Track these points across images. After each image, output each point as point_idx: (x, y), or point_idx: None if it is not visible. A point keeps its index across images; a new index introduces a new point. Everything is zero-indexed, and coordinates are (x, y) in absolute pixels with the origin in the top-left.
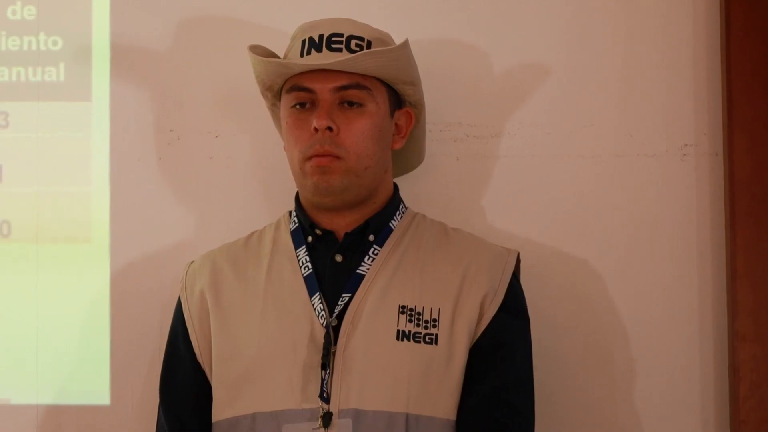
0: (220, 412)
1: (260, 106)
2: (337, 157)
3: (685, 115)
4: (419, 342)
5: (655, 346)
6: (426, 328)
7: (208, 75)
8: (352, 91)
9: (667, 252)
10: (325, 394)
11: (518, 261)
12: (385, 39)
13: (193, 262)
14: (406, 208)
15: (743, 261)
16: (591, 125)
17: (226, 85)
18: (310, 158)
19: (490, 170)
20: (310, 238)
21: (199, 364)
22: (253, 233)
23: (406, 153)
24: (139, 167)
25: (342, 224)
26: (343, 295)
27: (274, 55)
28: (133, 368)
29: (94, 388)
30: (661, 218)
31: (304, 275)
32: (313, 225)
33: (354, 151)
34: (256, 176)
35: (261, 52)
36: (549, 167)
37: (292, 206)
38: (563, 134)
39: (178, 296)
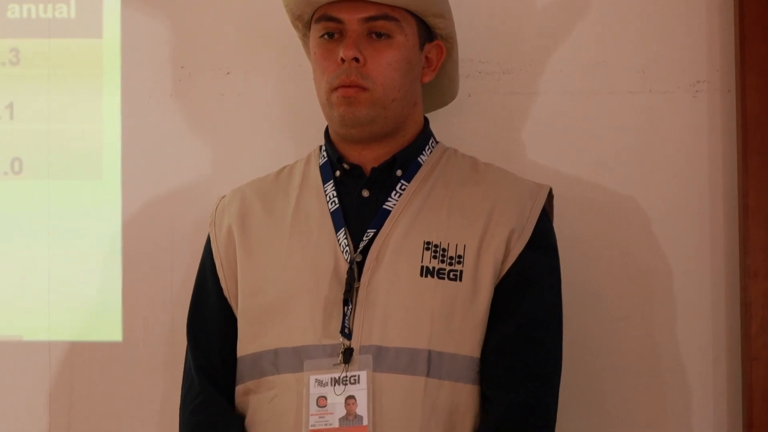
0: (244, 347)
1: (271, 42)
2: (364, 89)
3: (698, 51)
4: (443, 279)
5: (666, 283)
6: (451, 264)
7: (219, 11)
8: (381, 22)
9: (678, 189)
10: (346, 330)
11: (551, 197)
12: None
13: (224, 196)
14: (437, 142)
15: (755, 197)
16: (603, 62)
17: (238, 22)
18: (336, 89)
19: (501, 107)
20: (337, 173)
21: (225, 299)
22: (284, 167)
23: (438, 87)
24: (150, 104)
25: (370, 158)
26: (369, 231)
27: None
28: (145, 305)
29: (105, 324)
30: (672, 155)
31: (331, 210)
32: (340, 159)
33: (381, 82)
34: (267, 113)
35: None
36: (561, 104)
37: (305, 143)
38: (575, 71)
39: (190, 231)
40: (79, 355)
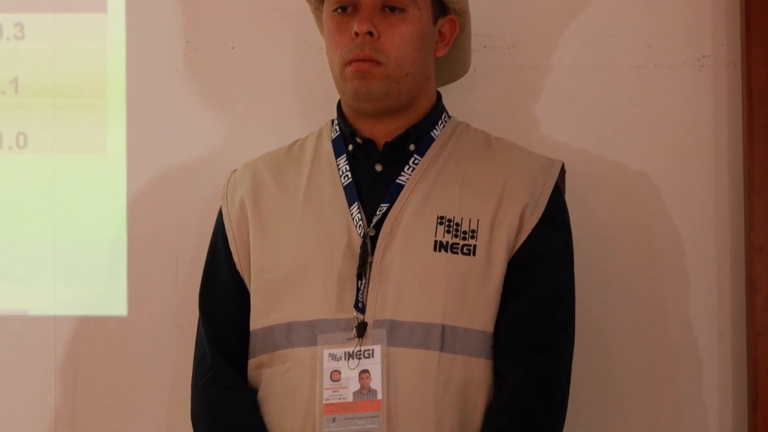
0: (257, 321)
1: (277, 17)
2: (377, 63)
3: (703, 26)
4: (457, 253)
5: (673, 258)
6: (464, 239)
7: None
8: None
9: (683, 164)
10: (360, 305)
11: (563, 171)
12: None
13: (235, 170)
14: (450, 117)
15: (760, 173)
16: (609, 36)
17: None
18: (349, 63)
19: (506, 82)
20: (350, 147)
21: (238, 273)
22: (295, 141)
23: (451, 62)
24: (155, 79)
25: (383, 133)
26: (382, 205)
27: None
28: (150, 279)
29: (111, 299)
30: (678, 130)
31: (344, 184)
32: (353, 133)
33: (394, 56)
34: (272, 87)
35: None
36: (566, 79)
37: (310, 118)
38: (580, 46)
39: (195, 206)
40: (84, 330)
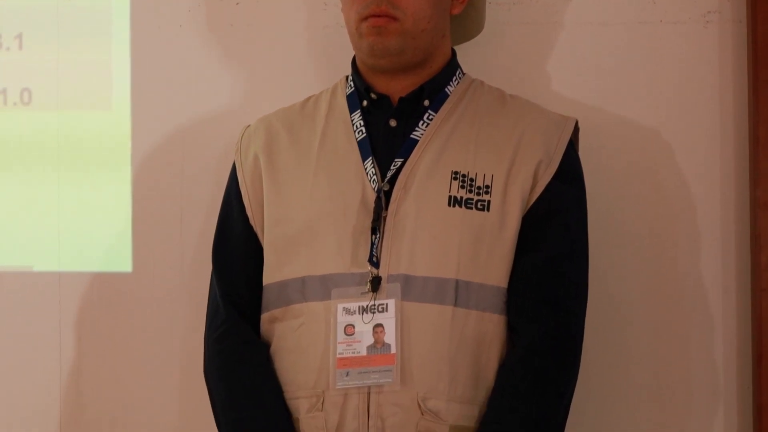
0: (270, 275)
1: None
2: (394, 18)
3: None
4: (471, 208)
5: (677, 213)
6: (478, 194)
7: None
8: None
9: (689, 119)
10: (374, 259)
11: (576, 129)
12: None
13: (248, 125)
14: (464, 74)
15: (765, 129)
16: None
17: None
18: (366, 18)
19: (510, 38)
20: (364, 102)
21: (251, 227)
22: (309, 97)
23: (466, 20)
24: (159, 34)
25: (397, 88)
26: (396, 160)
27: None
28: (155, 235)
29: (115, 255)
30: (683, 86)
31: (358, 139)
32: (368, 89)
33: (411, 12)
34: (276, 43)
35: None
36: (571, 35)
37: (314, 74)
38: (585, 1)
39: (199, 162)
40: (89, 286)
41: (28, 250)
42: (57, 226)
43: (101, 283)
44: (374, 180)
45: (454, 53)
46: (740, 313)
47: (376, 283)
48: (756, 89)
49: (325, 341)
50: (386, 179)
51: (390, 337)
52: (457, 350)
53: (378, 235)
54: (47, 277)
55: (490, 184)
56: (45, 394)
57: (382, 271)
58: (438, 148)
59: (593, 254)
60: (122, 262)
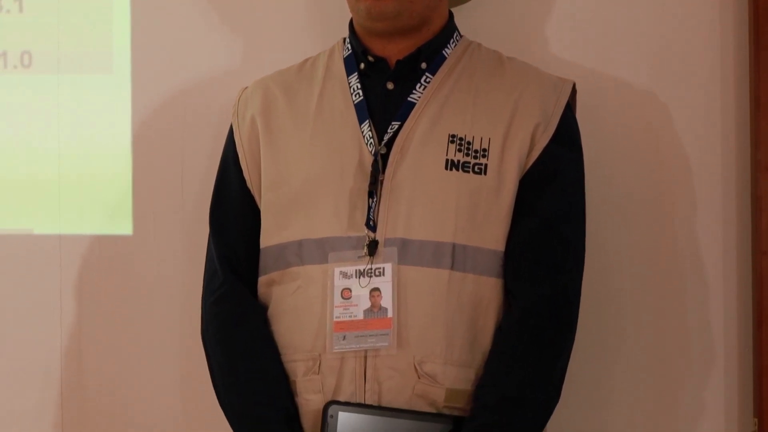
0: (268, 238)
1: None
2: None
3: None
4: (468, 172)
5: (678, 175)
6: (475, 157)
7: None
8: None
9: (689, 82)
10: (371, 223)
11: (574, 91)
12: None
13: (246, 88)
14: (461, 36)
15: (766, 90)
16: None
17: None
18: None
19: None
20: (362, 65)
21: (248, 190)
22: (307, 59)
23: None
24: None
25: (394, 51)
26: (393, 123)
27: None
28: (155, 198)
29: (116, 217)
30: (682, 48)
31: (355, 102)
32: (365, 51)
33: None
34: (278, 4)
35: None
36: None
37: (317, 36)
38: None
39: (200, 125)
40: (89, 249)
41: (29, 213)
42: (57, 189)
43: (102, 246)
44: (371, 143)
45: (451, 15)
46: (740, 276)
47: (373, 247)
48: (757, 52)
49: (322, 305)
50: (383, 142)
51: (387, 301)
52: (453, 314)
53: (375, 199)
54: (48, 240)
55: (487, 148)
56: (46, 357)
57: (379, 235)
58: (435, 112)
59: (590, 217)
60: (123, 224)
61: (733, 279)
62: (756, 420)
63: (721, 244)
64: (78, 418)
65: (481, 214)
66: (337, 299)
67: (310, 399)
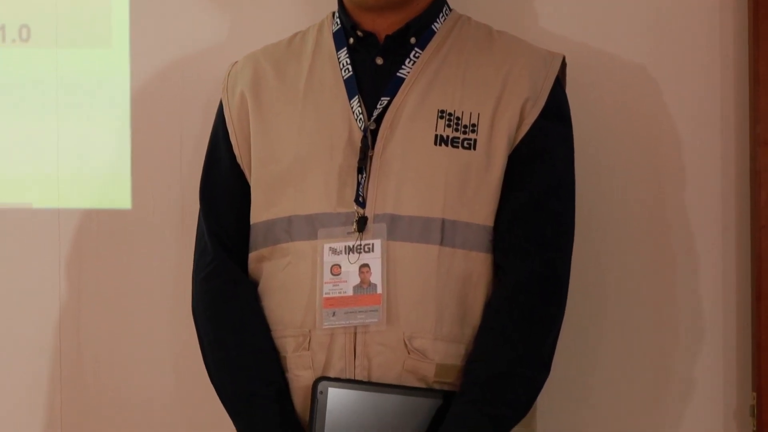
0: (257, 214)
1: None
2: None
3: None
4: (457, 147)
5: (676, 152)
6: (465, 133)
7: None
8: None
9: (688, 57)
10: (360, 199)
11: (564, 65)
12: None
13: (235, 62)
14: (451, 10)
15: (765, 66)
16: None
17: None
18: None
19: None
20: (351, 40)
21: (238, 166)
22: (296, 34)
23: None
24: None
25: (383, 26)
26: (382, 99)
27: None
28: (154, 172)
29: (115, 192)
30: (681, 18)
31: (344, 78)
32: (354, 26)
33: None
34: None
35: None
36: None
37: (313, 10)
38: None
39: (199, 98)
40: (88, 223)
41: (28, 187)
42: (56, 163)
43: (100, 220)
44: (360, 119)
45: None
46: (740, 251)
47: (362, 223)
48: (756, 25)
49: (312, 281)
50: (372, 118)
51: (376, 277)
52: (443, 289)
53: (364, 175)
54: (46, 214)
55: (476, 123)
56: (44, 331)
57: (369, 211)
58: (424, 87)
59: (580, 193)
60: (121, 198)
61: (732, 253)
62: (755, 394)
63: (720, 219)
64: (75, 390)
65: (471, 189)
66: (327, 275)
67: (300, 375)
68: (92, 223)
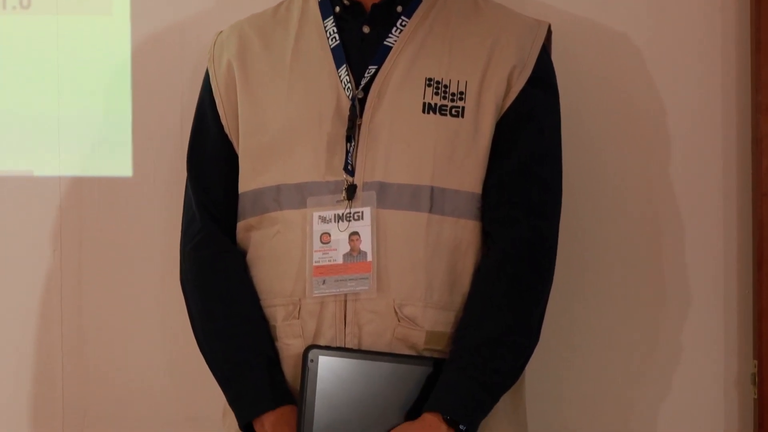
0: (246, 183)
1: None
2: None
3: None
4: (445, 115)
5: (678, 117)
6: (452, 101)
7: None
8: None
9: (691, 26)
10: (349, 167)
11: (549, 33)
12: None
13: (221, 32)
14: None
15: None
16: None
17: None
18: None
19: None
20: (337, 9)
21: (226, 135)
22: (281, 3)
23: None
24: None
25: None
26: (370, 67)
27: None
28: (155, 140)
29: (116, 159)
30: None
31: (332, 47)
32: None
33: None
34: None
35: None
36: None
37: None
38: None
39: (200, 66)
40: (89, 191)
41: (29, 156)
42: (57, 131)
43: (101, 188)
44: (348, 88)
45: None
46: (741, 218)
47: (351, 191)
48: None
49: (302, 249)
50: (360, 87)
51: (366, 244)
52: (432, 257)
53: (353, 143)
54: (48, 182)
55: (464, 90)
56: (45, 299)
57: (358, 179)
58: (412, 55)
59: (570, 161)
60: (122, 166)
61: (734, 221)
62: (756, 362)
63: (721, 188)
64: (77, 358)
65: (459, 156)
66: (317, 244)
67: (290, 343)
68: (93, 191)
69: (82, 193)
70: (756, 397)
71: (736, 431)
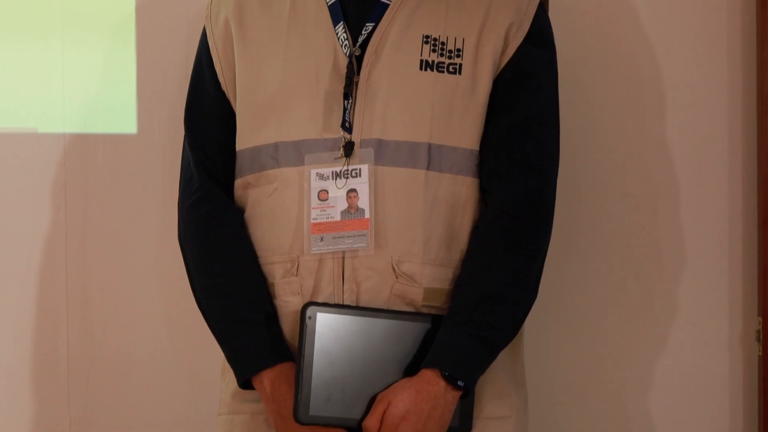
0: (243, 141)
1: None
2: None
3: None
4: (443, 72)
5: (681, 102)
6: (450, 58)
7: None
8: None
9: (695, 5)
10: (347, 124)
11: None
12: None
13: None
14: None
15: None
16: None
17: None
18: None
19: None
20: None
21: (223, 93)
22: None
23: None
24: None
25: None
26: (367, 24)
27: None
28: (159, 96)
29: (120, 116)
30: None
31: (329, 4)
32: None
33: None
34: None
35: None
36: None
37: None
38: None
39: (203, 25)
40: (93, 147)
41: (33, 112)
42: (62, 88)
43: (106, 145)
44: (345, 45)
45: None
46: (746, 177)
47: (349, 148)
48: None
49: (299, 207)
50: (358, 44)
51: (364, 201)
52: (430, 213)
53: (350, 101)
54: (52, 139)
55: (461, 47)
56: (50, 256)
57: (355, 136)
58: (409, 12)
59: (565, 119)
60: (127, 123)
61: (738, 179)
62: (760, 319)
63: (727, 148)
64: (81, 313)
65: (457, 113)
66: (314, 201)
67: (288, 301)
68: (98, 148)
69: (87, 150)
70: (761, 353)
71: (740, 388)
